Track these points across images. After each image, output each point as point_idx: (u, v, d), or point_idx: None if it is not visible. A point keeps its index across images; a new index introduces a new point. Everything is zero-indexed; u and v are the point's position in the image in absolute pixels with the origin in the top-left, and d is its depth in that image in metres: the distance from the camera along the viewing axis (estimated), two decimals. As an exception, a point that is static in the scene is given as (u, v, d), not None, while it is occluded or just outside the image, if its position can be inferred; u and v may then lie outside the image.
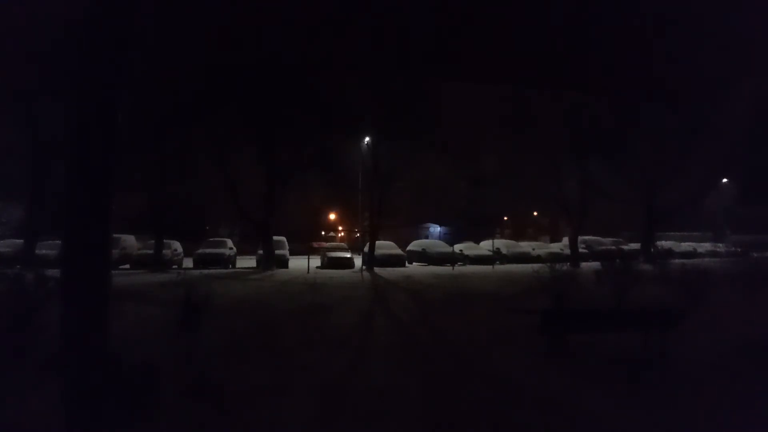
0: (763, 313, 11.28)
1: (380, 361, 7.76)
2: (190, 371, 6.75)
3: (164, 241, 26.16)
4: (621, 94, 27.56)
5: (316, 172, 27.65)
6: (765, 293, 12.96)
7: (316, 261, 27.57)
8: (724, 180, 38.55)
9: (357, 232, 40.21)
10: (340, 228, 55.91)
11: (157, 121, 22.60)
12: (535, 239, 45.30)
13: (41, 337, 6.81)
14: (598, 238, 34.13)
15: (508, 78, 31.36)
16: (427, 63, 25.94)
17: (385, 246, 29.04)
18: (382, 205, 26.97)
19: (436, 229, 50.24)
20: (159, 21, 18.98)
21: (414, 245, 32.60)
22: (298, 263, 27.14)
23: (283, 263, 26.59)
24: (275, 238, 27.16)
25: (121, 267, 24.56)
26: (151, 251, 25.71)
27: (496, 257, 30.94)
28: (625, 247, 31.07)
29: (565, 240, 33.47)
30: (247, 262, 28.13)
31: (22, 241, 22.96)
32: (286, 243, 29.20)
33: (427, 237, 42.44)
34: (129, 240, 27.57)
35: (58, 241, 15.74)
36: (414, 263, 30.60)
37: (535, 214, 52.02)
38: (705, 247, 37.09)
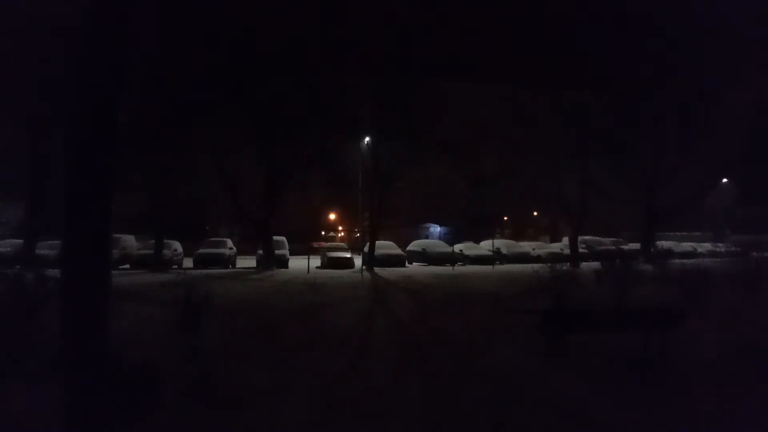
0: (763, 313, 11.28)
1: (380, 361, 7.75)
2: (190, 371, 6.75)
3: (164, 241, 26.16)
4: (621, 94, 27.56)
5: (316, 172, 27.70)
6: (765, 293, 12.96)
7: (316, 261, 27.58)
8: (724, 180, 38.55)
9: (357, 232, 40.22)
10: (340, 228, 55.94)
11: (157, 121, 22.62)
12: (535, 239, 45.30)
13: (41, 337, 6.81)
14: (598, 238, 34.12)
15: (508, 78, 31.36)
16: (427, 63, 25.96)
17: (385, 246, 29.05)
18: (382, 205, 26.97)
19: (436, 229, 50.28)
20: (159, 21, 19.00)
21: (414, 245, 32.60)
22: (298, 263, 27.15)
23: (283, 263, 26.60)
24: (275, 238, 27.17)
25: (121, 267, 24.56)
26: (151, 251, 25.71)
27: (496, 257, 30.94)
28: (625, 247, 31.05)
29: (565, 240, 33.47)
30: (247, 262, 28.13)
31: (22, 241, 22.97)
32: (286, 243, 29.20)
33: (427, 237, 42.47)
34: (129, 240, 27.58)
35: (58, 241, 15.76)
36: (414, 263, 30.60)
37: (535, 214, 52.03)
38: (705, 247, 37.08)
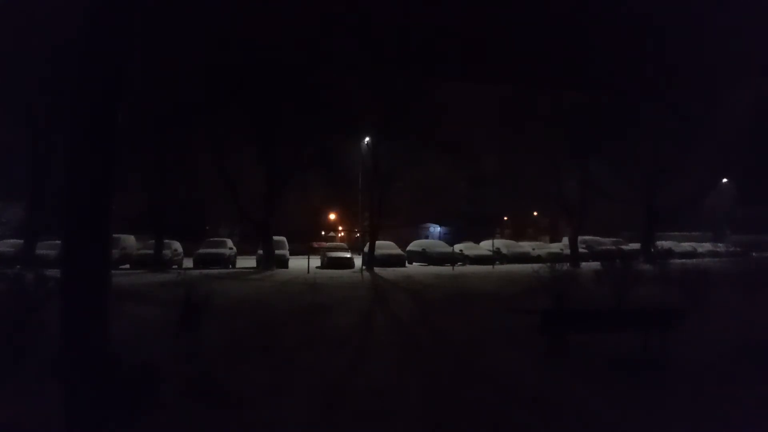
0: (763, 314, 11.28)
1: (380, 361, 7.76)
2: (190, 371, 6.75)
3: (164, 241, 26.15)
4: (621, 94, 27.56)
5: (316, 172, 27.67)
6: (765, 293, 12.96)
7: (316, 261, 27.57)
8: (724, 180, 38.54)
9: (357, 232, 40.21)
10: (340, 228, 55.91)
11: (157, 121, 22.62)
12: (535, 239, 45.30)
13: (41, 337, 6.81)
14: (598, 238, 34.12)
15: (508, 78, 31.36)
16: (427, 63, 25.94)
17: (385, 246, 29.04)
18: (382, 205, 26.96)
19: (436, 229, 50.24)
20: (159, 21, 18.99)
21: (414, 245, 32.60)
22: (298, 263, 27.15)
23: (283, 263, 26.59)
24: (275, 238, 27.16)
25: (121, 267, 24.55)
26: (151, 251, 25.70)
27: (496, 257, 30.94)
28: (625, 247, 31.04)
29: (565, 240, 33.47)
30: (247, 262, 28.12)
31: (22, 241, 22.96)
32: (286, 243, 29.20)
33: (427, 237, 42.45)
34: (129, 240, 27.57)
35: (58, 241, 15.75)
36: (414, 263, 30.60)
37: (535, 214, 52.01)
38: (705, 247, 37.08)
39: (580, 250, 29.02)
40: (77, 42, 5.43)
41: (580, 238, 29.84)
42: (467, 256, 30.84)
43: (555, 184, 28.91)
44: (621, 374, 6.99)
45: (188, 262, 27.18)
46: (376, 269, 25.28)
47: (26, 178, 22.83)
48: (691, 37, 25.25)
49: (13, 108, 21.56)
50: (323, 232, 53.62)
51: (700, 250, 35.32)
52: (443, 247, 32.14)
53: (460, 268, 27.08)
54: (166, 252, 26.37)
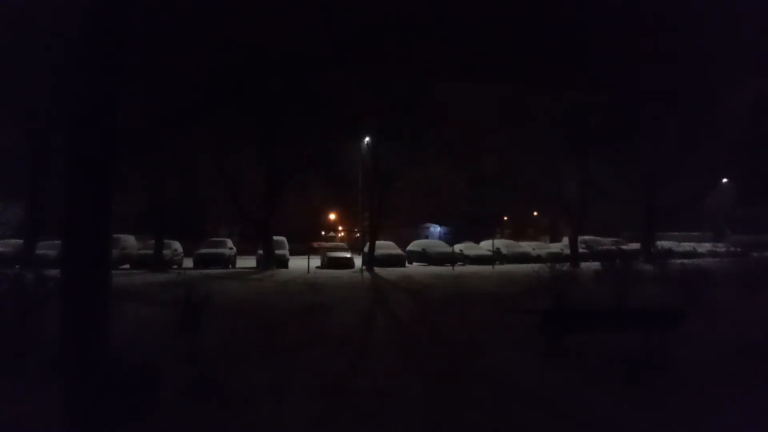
0: (763, 314, 11.28)
1: (380, 361, 7.76)
2: (190, 371, 6.75)
3: (164, 241, 26.16)
4: (621, 94, 27.56)
5: (316, 172, 27.67)
6: (765, 293, 12.96)
7: (316, 261, 27.57)
8: (724, 180, 38.54)
9: (357, 232, 40.21)
10: (340, 228, 55.91)
11: (157, 121, 22.62)
12: (535, 239, 45.28)
13: (41, 338, 6.81)
14: (598, 238, 34.10)
15: (508, 78, 31.38)
16: (427, 63, 25.96)
17: (385, 246, 29.05)
18: (382, 205, 26.96)
19: (436, 229, 50.26)
20: (159, 21, 18.99)
21: (414, 245, 32.60)
22: (298, 263, 27.15)
23: (283, 263, 26.60)
24: (275, 238, 27.16)
25: (121, 267, 24.56)
26: (151, 251, 25.70)
27: (496, 257, 30.93)
28: (625, 247, 31.00)
29: (565, 240, 33.46)
30: (247, 262, 28.13)
31: (22, 241, 22.97)
32: (286, 243, 29.20)
33: (427, 237, 42.46)
34: (129, 240, 27.57)
35: (58, 241, 15.76)
36: (414, 263, 30.60)
37: (535, 214, 52.02)
38: (705, 247, 37.04)
39: (580, 250, 29.02)
40: (77, 42, 5.43)
41: (580, 238, 29.83)
42: (467, 256, 30.85)
43: (555, 184, 28.90)
44: (621, 374, 6.98)
45: (188, 262, 27.18)
46: (376, 269, 25.29)
47: (26, 178, 22.83)
48: (691, 37, 25.26)
49: (13, 108, 21.55)
50: (323, 232, 53.63)
51: (700, 250, 35.28)
52: (443, 247, 32.14)
53: (460, 268, 27.09)
54: (166, 252, 26.38)
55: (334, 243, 42.95)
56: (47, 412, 5.02)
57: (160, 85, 21.56)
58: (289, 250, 28.93)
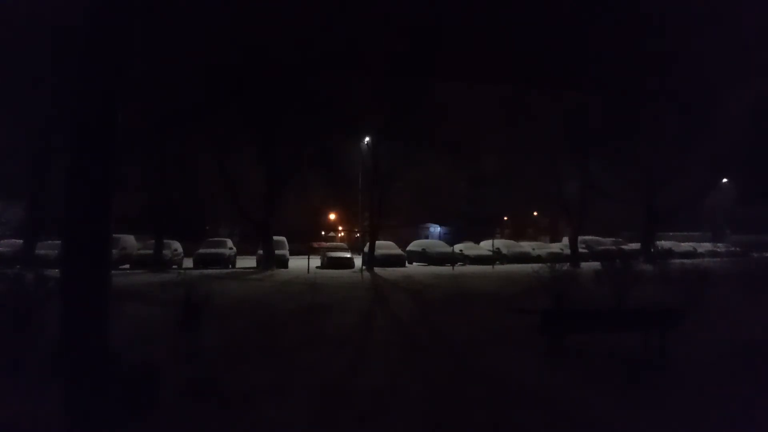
0: (763, 314, 11.28)
1: (380, 361, 7.76)
2: (190, 371, 6.75)
3: (164, 241, 26.16)
4: (621, 94, 27.56)
5: (316, 172, 27.68)
6: (765, 293, 12.96)
7: (316, 261, 27.57)
8: (724, 180, 38.56)
9: (357, 232, 40.21)
10: (340, 228, 55.91)
11: (157, 121, 22.61)
12: (535, 239, 45.30)
13: (41, 337, 6.81)
14: (598, 238, 34.13)
15: (508, 78, 31.35)
16: (427, 63, 25.95)
17: (385, 246, 29.05)
18: (382, 205, 26.97)
19: (436, 229, 50.26)
20: (159, 21, 18.99)
21: (414, 245, 32.60)
22: (298, 263, 27.15)
23: (283, 263, 26.60)
24: (275, 238, 27.17)
25: (121, 267, 24.56)
26: (151, 251, 25.71)
27: (496, 257, 30.94)
28: (625, 247, 31.05)
29: (565, 240, 33.48)
30: (247, 262, 28.13)
31: (22, 241, 22.96)
32: (286, 243, 29.21)
33: (427, 237, 42.47)
34: (129, 240, 27.57)
35: (58, 241, 15.75)
36: (414, 263, 30.61)
37: (535, 214, 52.03)
38: (705, 247, 37.08)
39: (580, 250, 29.03)
40: (77, 42, 5.43)
41: (580, 238, 29.84)
42: (467, 256, 30.86)
43: (555, 184, 28.92)
44: (621, 374, 6.98)
45: (188, 262, 27.19)
46: (376, 269, 25.29)
47: (26, 178, 22.83)
48: (691, 37, 25.24)
49: (13, 108, 21.54)
50: (323, 232, 53.62)
51: (700, 250, 35.32)
52: (443, 247, 32.15)
53: (460, 268, 27.09)
54: (166, 252, 26.38)
55: (334, 243, 42.95)
56: (47, 412, 5.02)
57: (160, 85, 21.54)
58: (289, 250, 28.94)
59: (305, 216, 43.09)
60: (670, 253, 27.07)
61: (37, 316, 7.16)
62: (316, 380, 6.65)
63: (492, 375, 7.14)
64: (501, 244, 33.84)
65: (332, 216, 52.20)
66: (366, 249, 27.57)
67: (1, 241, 24.39)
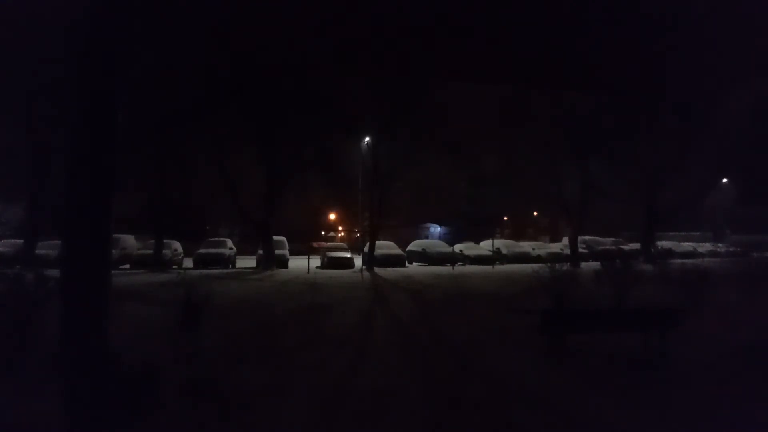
0: (763, 314, 11.28)
1: (380, 361, 7.76)
2: (190, 371, 6.75)
3: (164, 241, 26.16)
4: (621, 94, 27.54)
5: (316, 172, 27.66)
6: (765, 293, 12.96)
7: (316, 261, 27.57)
8: (724, 180, 38.56)
9: (357, 232, 40.20)
10: (340, 228, 55.89)
11: (157, 121, 22.60)
12: (535, 239, 45.28)
13: (41, 337, 6.81)
14: (598, 238, 34.12)
15: (508, 78, 31.32)
16: (427, 63, 25.93)
17: (385, 246, 29.04)
18: (382, 205, 26.97)
19: (436, 229, 50.23)
20: (159, 21, 18.98)
21: (414, 245, 32.59)
22: (298, 263, 27.14)
23: (283, 263, 26.58)
24: (275, 238, 27.16)
25: (121, 267, 24.55)
26: (151, 251, 25.70)
27: (496, 257, 30.93)
28: (625, 247, 31.04)
29: (565, 240, 33.46)
30: (247, 262, 28.12)
31: (22, 241, 22.96)
32: (286, 243, 29.18)
33: (427, 237, 42.43)
34: (129, 240, 27.56)
35: (58, 241, 15.74)
36: (414, 263, 30.59)
37: (535, 214, 52.02)
38: (705, 247, 37.08)
39: (580, 250, 29.02)
40: (77, 41, 5.43)
41: (580, 238, 29.84)
42: (467, 256, 30.84)
43: (555, 184, 28.91)
44: (621, 374, 6.99)
45: (188, 262, 27.18)
46: (376, 269, 25.29)
47: (26, 178, 22.83)
48: (691, 37, 25.22)
49: (13, 108, 21.54)
50: (323, 232, 53.60)
51: (700, 250, 35.32)
52: (443, 247, 32.14)
53: (460, 268, 27.08)
54: (166, 252, 26.37)
55: (334, 243, 42.93)
56: (47, 412, 5.02)
57: (160, 85, 21.54)
58: (289, 250, 28.91)
59: (305, 216, 43.06)
60: (670, 253, 27.09)
61: (37, 316, 7.16)
62: (317, 380, 6.64)
63: (492, 375, 7.14)
64: (501, 244, 33.83)
65: (332, 216, 52.17)
66: (366, 249, 27.57)
67: (1, 241, 24.40)
